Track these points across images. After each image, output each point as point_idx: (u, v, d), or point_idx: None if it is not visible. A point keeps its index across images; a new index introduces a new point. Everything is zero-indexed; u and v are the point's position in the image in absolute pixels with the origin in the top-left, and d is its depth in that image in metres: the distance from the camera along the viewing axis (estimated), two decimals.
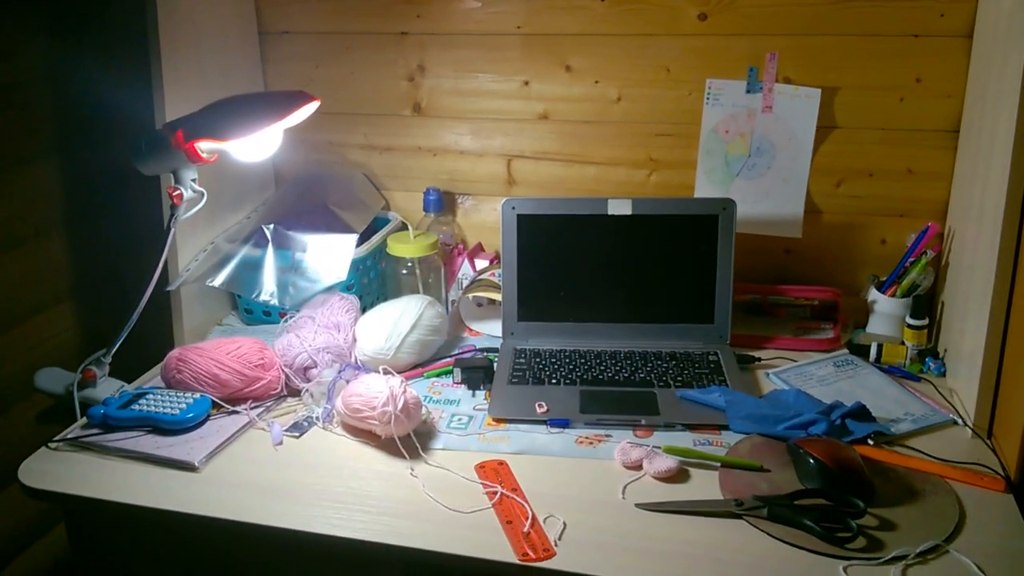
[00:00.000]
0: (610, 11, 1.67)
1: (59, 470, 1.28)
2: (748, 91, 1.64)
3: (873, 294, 1.61)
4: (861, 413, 1.33)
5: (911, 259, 1.58)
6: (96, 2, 1.73)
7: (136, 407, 1.36)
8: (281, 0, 1.81)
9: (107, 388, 1.47)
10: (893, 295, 1.58)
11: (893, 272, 1.60)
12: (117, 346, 1.47)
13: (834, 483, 1.16)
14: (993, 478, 1.21)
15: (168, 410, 1.35)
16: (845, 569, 1.04)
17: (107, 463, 1.29)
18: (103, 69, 1.73)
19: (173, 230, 1.45)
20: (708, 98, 1.67)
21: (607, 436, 1.33)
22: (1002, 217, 1.25)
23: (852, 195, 1.67)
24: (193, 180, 1.43)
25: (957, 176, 1.58)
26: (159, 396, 1.38)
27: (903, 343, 1.54)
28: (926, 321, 1.52)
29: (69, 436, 1.34)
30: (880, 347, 1.53)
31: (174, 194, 1.41)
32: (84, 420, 1.37)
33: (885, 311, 1.60)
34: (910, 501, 1.16)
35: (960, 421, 1.35)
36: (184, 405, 1.36)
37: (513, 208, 1.57)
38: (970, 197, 1.47)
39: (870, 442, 1.29)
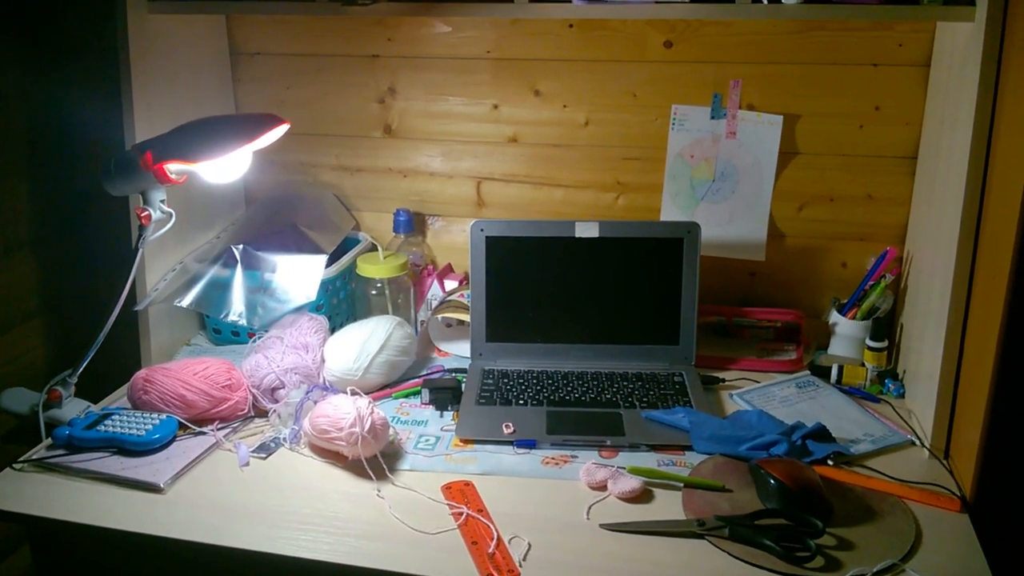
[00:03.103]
0: (578, 37, 1.70)
1: (24, 491, 1.27)
2: (712, 117, 1.68)
3: (834, 316, 1.64)
4: (821, 434, 1.35)
5: (871, 282, 1.61)
6: (67, 23, 1.73)
7: (102, 428, 1.35)
8: (253, 21, 1.83)
9: (73, 408, 1.46)
10: (854, 318, 1.62)
11: (853, 295, 1.63)
12: (83, 366, 1.47)
13: (794, 503, 1.18)
14: (949, 498, 1.23)
15: (134, 431, 1.34)
16: None
17: (72, 484, 1.29)
18: (74, 89, 1.73)
19: (141, 250, 1.45)
20: (674, 123, 1.70)
21: (573, 457, 1.34)
22: (957, 241, 1.29)
23: (814, 219, 1.70)
24: (162, 201, 1.44)
25: (915, 201, 1.63)
26: (125, 417, 1.38)
27: (863, 365, 1.57)
28: (886, 343, 1.55)
29: (34, 457, 1.33)
30: (841, 369, 1.56)
31: (142, 215, 1.42)
32: (49, 441, 1.37)
33: (846, 333, 1.63)
34: (868, 521, 1.19)
35: (918, 442, 1.38)
36: (150, 426, 1.35)
37: (482, 230, 1.59)
38: (927, 222, 1.51)
39: (830, 463, 1.31)
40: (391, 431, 1.37)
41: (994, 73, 1.24)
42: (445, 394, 1.49)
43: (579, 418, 1.43)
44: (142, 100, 1.54)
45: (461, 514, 1.20)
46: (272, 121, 1.39)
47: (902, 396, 1.53)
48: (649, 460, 1.33)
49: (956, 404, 1.33)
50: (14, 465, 1.32)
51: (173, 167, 1.36)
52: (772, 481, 1.20)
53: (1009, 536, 1.22)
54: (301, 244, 1.70)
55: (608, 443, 1.37)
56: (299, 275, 1.65)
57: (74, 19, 1.73)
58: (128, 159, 1.38)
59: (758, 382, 1.58)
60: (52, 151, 1.74)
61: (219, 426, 1.41)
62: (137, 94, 1.53)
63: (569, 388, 1.51)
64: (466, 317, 1.63)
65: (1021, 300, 1.18)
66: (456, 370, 1.60)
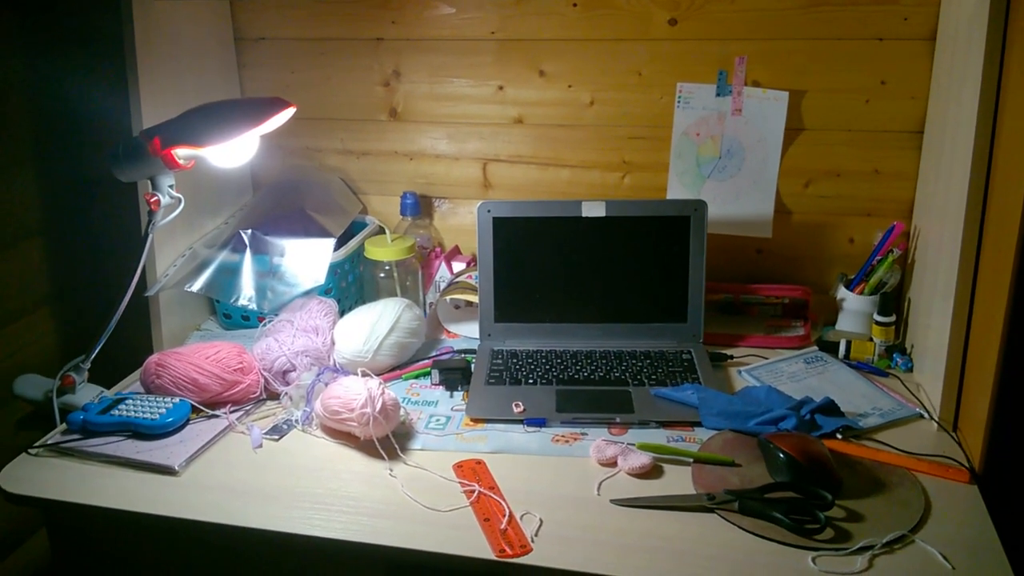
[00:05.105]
0: (582, 16, 1.69)
1: (40, 476, 1.28)
2: (718, 94, 1.67)
3: (842, 292, 1.65)
4: (830, 408, 1.36)
5: (878, 257, 1.61)
6: (73, 10, 1.73)
7: (115, 412, 1.36)
8: (257, 7, 1.83)
9: (86, 394, 1.47)
10: (861, 293, 1.62)
11: (861, 270, 1.63)
12: (96, 352, 1.48)
13: (803, 476, 1.19)
14: (958, 470, 1.24)
15: (147, 415, 1.36)
16: (814, 560, 1.07)
17: (87, 468, 1.30)
18: (80, 76, 1.74)
19: (151, 236, 1.46)
20: (679, 101, 1.70)
21: (583, 434, 1.35)
22: (964, 215, 1.29)
23: (820, 195, 1.70)
24: (170, 186, 1.44)
25: (922, 176, 1.62)
26: (138, 401, 1.39)
27: (871, 340, 1.57)
28: (893, 318, 1.56)
29: (49, 442, 1.35)
30: (849, 344, 1.57)
31: (151, 200, 1.42)
32: (64, 426, 1.38)
33: (854, 308, 1.63)
34: (877, 493, 1.19)
35: (926, 415, 1.38)
36: (163, 410, 1.37)
37: (489, 211, 1.59)
38: (934, 196, 1.51)
39: (838, 436, 1.32)
40: (402, 411, 1.38)
41: (999, 45, 1.24)
42: (455, 374, 1.50)
43: (588, 396, 1.44)
44: (148, 86, 1.54)
45: (473, 492, 1.21)
46: (279, 105, 1.40)
47: (910, 370, 1.53)
48: (658, 436, 1.34)
49: (964, 377, 1.34)
50: (29, 450, 1.33)
51: (181, 152, 1.37)
52: (781, 455, 1.21)
53: (1018, 506, 1.22)
54: (309, 228, 1.71)
55: (618, 420, 1.37)
56: (308, 259, 1.65)
57: (78, 6, 1.73)
58: (136, 145, 1.39)
59: (766, 358, 1.58)
60: (59, 138, 1.74)
61: (231, 409, 1.42)
62: (143, 80, 1.53)
63: (578, 367, 1.52)
64: (474, 298, 1.63)
65: None
66: (465, 351, 1.61)
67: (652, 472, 1.25)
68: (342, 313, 1.63)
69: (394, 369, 1.56)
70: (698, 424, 1.37)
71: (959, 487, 1.21)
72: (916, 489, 1.20)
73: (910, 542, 1.10)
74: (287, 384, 1.46)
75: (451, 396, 1.49)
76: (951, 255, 1.33)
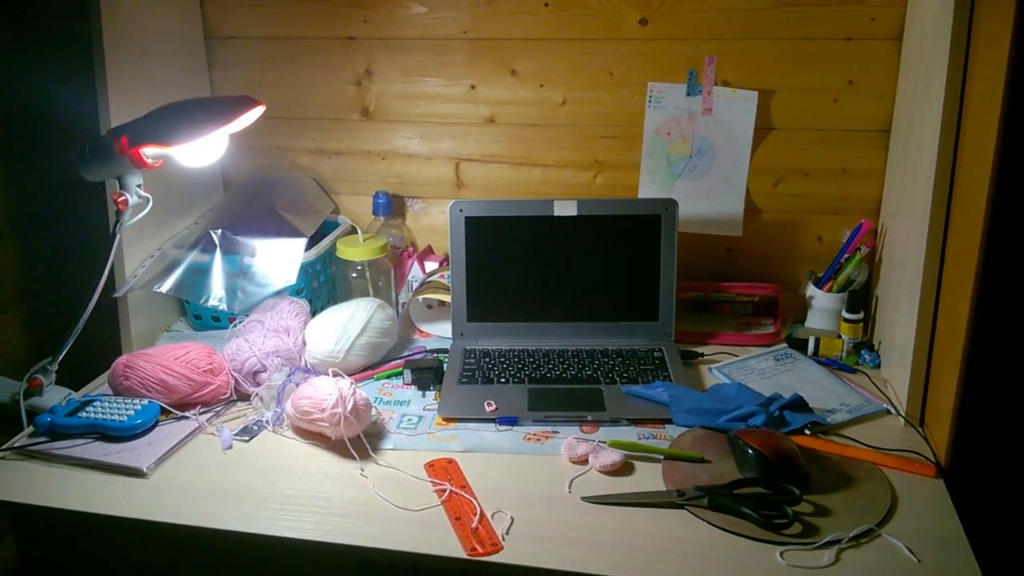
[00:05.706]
0: (554, 16, 1.70)
1: (6, 479, 1.27)
2: (688, 94, 1.68)
3: (811, 290, 1.66)
4: (799, 404, 1.37)
5: (846, 255, 1.63)
6: (41, 9, 1.71)
7: (83, 414, 1.35)
8: (227, 5, 1.81)
9: (54, 396, 1.46)
10: (830, 290, 1.63)
11: (829, 268, 1.65)
12: (63, 354, 1.46)
13: (771, 472, 1.20)
14: (924, 464, 1.26)
15: (116, 417, 1.34)
16: (782, 554, 1.08)
17: (55, 471, 1.29)
18: (47, 75, 1.72)
19: (119, 236, 1.45)
20: (650, 101, 1.70)
21: (554, 432, 1.35)
22: (929, 213, 1.30)
23: (790, 194, 1.72)
24: (139, 186, 1.43)
25: (889, 174, 1.64)
26: (107, 403, 1.38)
27: (840, 336, 1.59)
28: (861, 315, 1.57)
29: (16, 445, 1.33)
30: (818, 341, 1.58)
31: (119, 200, 1.41)
32: (31, 429, 1.37)
33: (822, 306, 1.64)
34: (844, 488, 1.20)
35: (893, 410, 1.40)
36: (132, 411, 1.35)
37: (461, 210, 1.59)
38: (901, 194, 1.53)
39: (807, 432, 1.33)
40: (373, 411, 1.38)
41: (964, 45, 1.25)
42: (427, 374, 1.50)
43: (560, 395, 1.44)
44: (117, 85, 1.53)
45: (444, 491, 1.21)
46: (247, 103, 1.39)
47: (878, 366, 1.55)
48: (630, 434, 1.35)
49: (930, 373, 1.35)
50: None
51: (149, 151, 1.36)
52: (750, 451, 1.22)
53: (983, 500, 1.24)
54: (280, 228, 1.70)
55: (589, 418, 1.38)
56: (279, 259, 1.65)
57: (46, 5, 1.71)
58: (103, 144, 1.37)
59: (737, 356, 1.59)
60: (27, 139, 1.72)
61: (201, 410, 1.41)
62: (112, 79, 1.51)
63: (550, 365, 1.52)
64: (447, 298, 1.63)
65: (992, 270, 1.20)
66: (438, 350, 1.61)
67: (623, 469, 1.26)
68: (314, 313, 1.62)
69: (366, 369, 1.56)
70: (669, 421, 1.37)
71: (925, 481, 1.23)
72: (883, 484, 1.21)
73: (877, 536, 1.11)
74: (258, 385, 1.46)
75: (423, 396, 1.49)
76: (917, 252, 1.34)
